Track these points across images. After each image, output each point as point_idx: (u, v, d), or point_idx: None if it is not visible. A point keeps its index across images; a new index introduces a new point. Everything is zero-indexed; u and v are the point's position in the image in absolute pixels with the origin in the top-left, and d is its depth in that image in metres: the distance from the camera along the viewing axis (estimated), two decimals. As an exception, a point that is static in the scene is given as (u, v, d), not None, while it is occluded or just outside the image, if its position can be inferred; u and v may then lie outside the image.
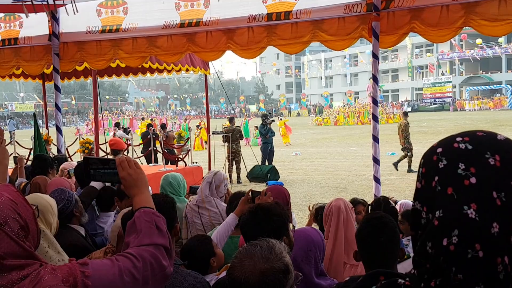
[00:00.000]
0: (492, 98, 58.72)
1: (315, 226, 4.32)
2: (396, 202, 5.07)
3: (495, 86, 61.73)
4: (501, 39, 55.94)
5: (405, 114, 15.92)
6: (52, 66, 7.16)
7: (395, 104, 55.97)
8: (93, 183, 3.93)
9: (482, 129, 0.97)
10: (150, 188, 4.69)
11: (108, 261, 1.48)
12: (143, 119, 16.10)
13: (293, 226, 3.99)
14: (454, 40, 61.54)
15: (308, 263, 2.71)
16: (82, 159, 1.92)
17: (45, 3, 5.40)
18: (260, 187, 12.19)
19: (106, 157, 8.28)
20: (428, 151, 0.97)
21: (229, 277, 1.62)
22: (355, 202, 4.43)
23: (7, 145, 11.37)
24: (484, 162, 0.88)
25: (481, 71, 65.93)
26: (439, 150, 0.94)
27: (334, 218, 3.40)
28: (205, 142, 20.54)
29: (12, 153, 10.63)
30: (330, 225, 3.41)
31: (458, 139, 0.93)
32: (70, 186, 4.08)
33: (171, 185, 4.41)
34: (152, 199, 2.30)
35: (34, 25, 7.06)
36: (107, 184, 4.05)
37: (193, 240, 2.84)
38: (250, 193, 3.30)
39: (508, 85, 59.16)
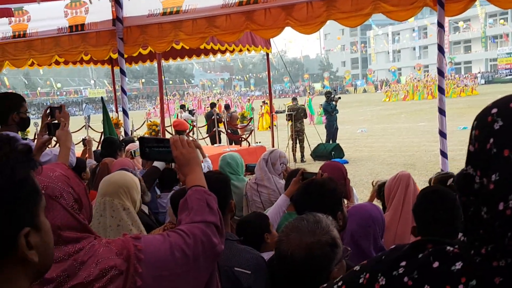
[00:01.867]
0: None
1: (377, 202, 4.22)
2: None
3: None
4: None
5: None
6: (117, 50, 7.41)
7: (468, 76, 53.33)
8: (155, 164, 4.04)
9: None
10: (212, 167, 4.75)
11: (160, 236, 1.51)
12: (213, 104, 16.11)
13: (353, 202, 3.91)
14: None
15: (367, 239, 2.65)
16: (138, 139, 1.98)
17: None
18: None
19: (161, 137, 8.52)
20: (482, 113, 0.92)
21: (276, 251, 1.61)
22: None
23: (80, 129, 11.94)
24: None
25: None
26: (494, 110, 0.88)
27: (402, 189, 3.28)
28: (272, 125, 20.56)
29: (84, 137, 11.17)
30: (395, 196, 3.28)
31: None
32: (133, 166, 4.22)
33: (229, 165, 4.46)
34: (205, 177, 2.33)
35: (99, 11, 7.31)
36: (172, 164, 4.16)
37: (250, 215, 2.86)
38: (301, 174, 3.26)
39: None
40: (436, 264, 0.90)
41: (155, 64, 11.81)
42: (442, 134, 5.38)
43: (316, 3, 5.85)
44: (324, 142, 14.45)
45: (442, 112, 5.33)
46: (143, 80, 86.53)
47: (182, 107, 19.87)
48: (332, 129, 15.11)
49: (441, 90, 5.42)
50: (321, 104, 16.95)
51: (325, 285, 1.08)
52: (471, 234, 0.89)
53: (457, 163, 10.42)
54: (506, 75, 60.21)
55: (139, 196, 2.65)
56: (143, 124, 15.86)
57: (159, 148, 1.85)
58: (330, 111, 15.12)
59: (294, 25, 6.10)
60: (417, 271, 0.91)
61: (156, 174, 4.04)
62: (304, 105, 15.05)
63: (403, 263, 0.94)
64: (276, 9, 6.13)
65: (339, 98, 15.88)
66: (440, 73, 5.45)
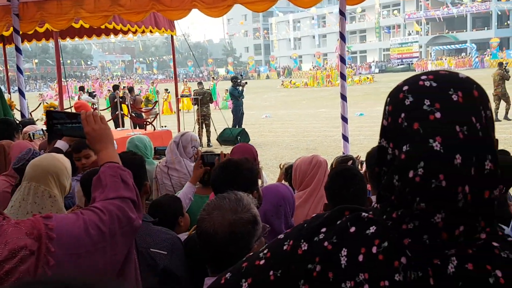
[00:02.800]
0: (459, 57, 59.22)
1: (284, 183, 4.38)
2: (362, 162, 5.16)
3: (460, 45, 62.54)
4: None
5: (500, 64, 16.26)
6: (12, 27, 6.89)
7: (363, 65, 56.32)
8: (58, 145, 3.85)
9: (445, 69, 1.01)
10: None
11: (73, 214, 1.48)
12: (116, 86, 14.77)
13: (263, 183, 4.03)
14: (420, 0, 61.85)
15: (278, 218, 2.75)
16: (45, 113, 1.88)
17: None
18: (230, 150, 12.18)
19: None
20: (394, 90, 1.00)
21: (198, 229, 1.63)
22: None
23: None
24: (448, 98, 0.93)
25: (446, 30, 66.62)
26: (405, 88, 0.97)
27: (321, 173, 3.40)
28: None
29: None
30: (314, 179, 3.36)
31: (423, 77, 0.97)
32: (33, 148, 3.99)
33: (137, 148, 4.35)
34: (120, 158, 2.29)
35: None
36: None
37: (164, 197, 2.84)
38: (201, 157, 3.30)
39: (473, 44, 60.06)
40: (352, 229, 0.99)
41: (49, 43, 11.18)
42: (344, 119, 5.67)
43: (224, -14, 5.86)
44: (230, 126, 14.57)
45: (344, 97, 5.61)
46: (36, 61, 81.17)
47: (82, 89, 18.99)
48: (238, 114, 15.25)
49: (343, 76, 5.69)
50: (227, 89, 17.00)
51: (251, 253, 1.13)
52: (384, 201, 0.98)
53: (354, 147, 11.01)
54: (398, 65, 64.29)
55: (69, 181, 2.53)
56: (38, 106, 14.99)
57: (72, 124, 1.78)
58: (237, 96, 15.23)
59: (201, 7, 6.07)
60: (336, 236, 0.99)
61: (59, 157, 3.85)
62: (209, 89, 15.02)
63: (324, 229, 1.01)
64: (183, -10, 6.05)
65: (246, 83, 16.04)
66: (342, 60, 5.72)
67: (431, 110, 0.92)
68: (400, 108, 0.96)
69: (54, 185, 2.40)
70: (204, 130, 13.94)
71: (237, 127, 14.80)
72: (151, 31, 10.13)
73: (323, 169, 3.37)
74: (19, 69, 7.03)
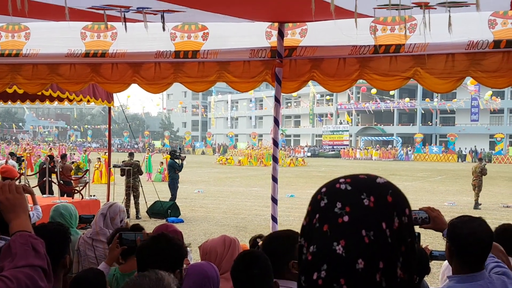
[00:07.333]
0: (387, 149, 62.61)
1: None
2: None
3: (387, 137, 66.35)
4: (393, 92, 60.84)
5: (480, 159, 19.10)
6: None
7: (297, 148, 58.34)
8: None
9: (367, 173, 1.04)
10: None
11: None
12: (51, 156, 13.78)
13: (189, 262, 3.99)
14: (352, 93, 65.85)
15: (202, 298, 2.72)
16: None
17: None
18: (160, 223, 11.95)
19: None
20: (316, 191, 1.03)
21: (115, 309, 1.60)
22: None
23: None
24: (359, 202, 0.94)
25: (375, 122, 70.69)
26: (323, 190, 1.00)
27: (239, 249, 3.40)
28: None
29: None
30: (233, 257, 3.36)
31: (341, 180, 0.99)
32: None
33: (62, 216, 4.21)
34: (44, 227, 2.24)
35: None
36: None
37: (88, 272, 2.71)
38: (118, 237, 3.21)
39: (399, 138, 64.05)
40: None
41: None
42: (274, 200, 5.78)
43: (164, 64, 6.00)
44: (161, 199, 14.34)
45: (275, 179, 5.75)
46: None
47: (12, 154, 18.36)
48: (176, 187, 15.10)
49: (275, 159, 5.88)
50: (162, 162, 16.90)
51: None
52: None
53: (283, 228, 11.11)
54: (329, 150, 67.03)
55: None
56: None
57: None
58: (178, 169, 15.14)
59: (141, 83, 6.15)
60: None
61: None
62: (138, 161, 14.87)
63: None
64: (123, 65, 6.13)
65: (185, 157, 16.11)
66: (275, 143, 5.93)
67: (341, 213, 0.93)
68: (316, 210, 0.98)
69: None
70: (132, 201, 13.66)
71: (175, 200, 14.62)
72: (88, 101, 10.10)
73: (238, 248, 3.41)
74: None
